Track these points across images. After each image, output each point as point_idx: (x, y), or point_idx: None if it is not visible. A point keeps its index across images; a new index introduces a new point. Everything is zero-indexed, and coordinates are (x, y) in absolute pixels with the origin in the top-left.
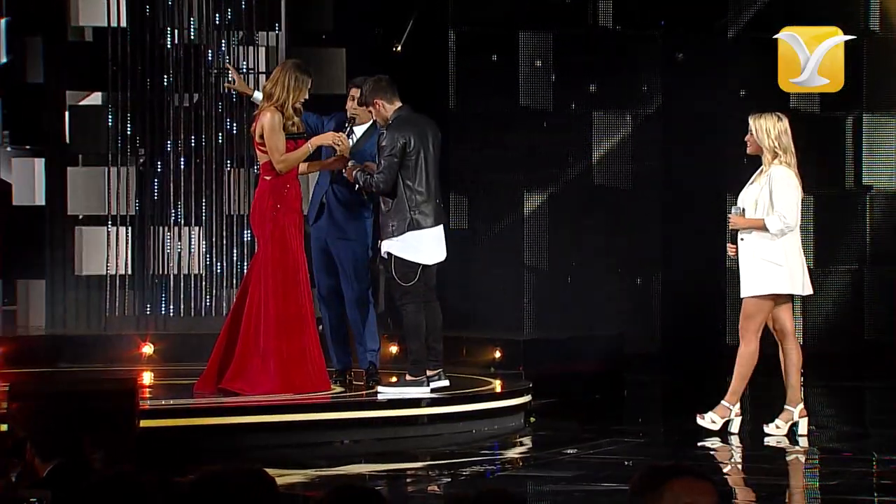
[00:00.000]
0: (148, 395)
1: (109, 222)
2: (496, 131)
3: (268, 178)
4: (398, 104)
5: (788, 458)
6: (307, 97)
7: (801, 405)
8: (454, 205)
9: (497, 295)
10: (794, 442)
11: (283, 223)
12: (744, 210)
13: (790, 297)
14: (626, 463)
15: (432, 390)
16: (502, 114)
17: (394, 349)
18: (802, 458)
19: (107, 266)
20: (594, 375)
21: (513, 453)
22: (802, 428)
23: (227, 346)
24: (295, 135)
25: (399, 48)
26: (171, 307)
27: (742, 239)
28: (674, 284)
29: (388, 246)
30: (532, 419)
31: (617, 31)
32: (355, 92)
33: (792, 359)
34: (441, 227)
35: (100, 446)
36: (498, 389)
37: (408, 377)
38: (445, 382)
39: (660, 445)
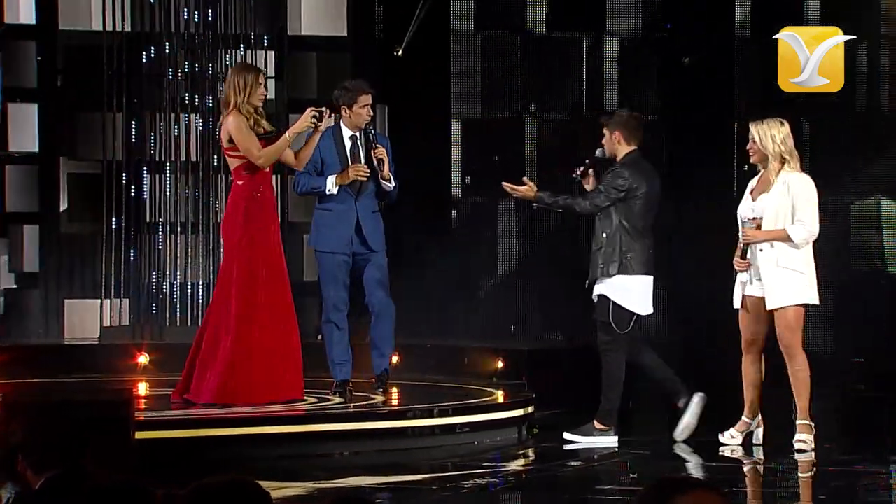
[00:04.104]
0: (144, 406)
1: (105, 230)
2: (497, 137)
3: (240, 182)
4: (634, 147)
5: (802, 472)
6: (265, 93)
7: (759, 416)
8: (459, 211)
9: (500, 303)
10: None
11: (252, 228)
12: (760, 220)
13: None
14: (632, 476)
15: None
16: (504, 119)
17: (395, 359)
18: (812, 471)
19: (102, 275)
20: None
21: (515, 465)
22: (758, 437)
23: (192, 354)
24: (263, 135)
25: (400, 52)
26: (167, 316)
27: (761, 250)
28: (682, 293)
29: (602, 289)
30: (535, 430)
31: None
32: (367, 99)
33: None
34: (651, 278)
35: (96, 458)
36: (500, 400)
37: (597, 425)
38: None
39: (667, 457)
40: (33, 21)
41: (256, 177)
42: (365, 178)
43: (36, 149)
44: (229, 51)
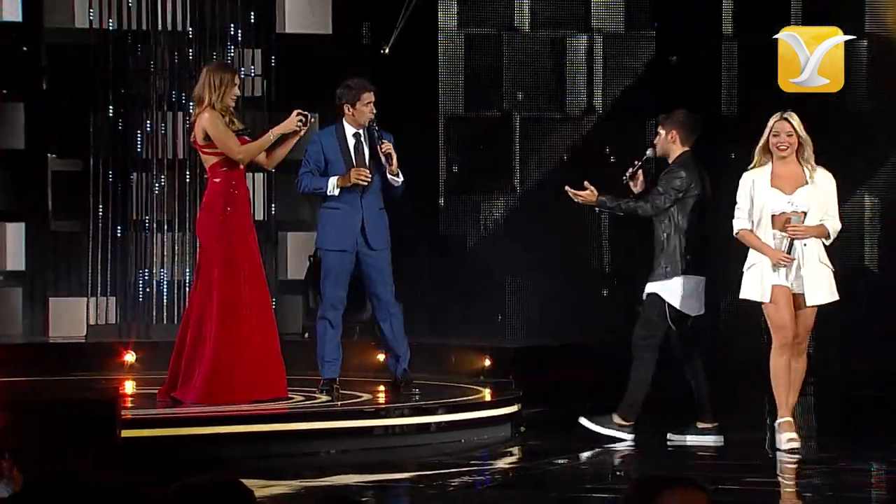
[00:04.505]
0: (130, 405)
1: (91, 227)
2: (487, 136)
3: (217, 179)
4: (687, 148)
5: (788, 466)
6: (238, 94)
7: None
8: (447, 209)
9: (488, 302)
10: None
11: (229, 226)
12: (804, 214)
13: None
14: (618, 473)
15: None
16: (492, 118)
17: (380, 357)
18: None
19: (89, 273)
20: (586, 384)
21: (502, 463)
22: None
23: (177, 353)
24: (237, 132)
25: (387, 51)
26: (154, 314)
27: (805, 245)
28: None
29: (656, 287)
30: (522, 429)
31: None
32: (370, 96)
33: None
34: (704, 279)
35: (83, 457)
36: (487, 398)
37: (616, 419)
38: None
39: (654, 455)
40: (19, 18)
41: (232, 174)
42: (366, 183)
43: (22, 146)
44: (216, 49)
